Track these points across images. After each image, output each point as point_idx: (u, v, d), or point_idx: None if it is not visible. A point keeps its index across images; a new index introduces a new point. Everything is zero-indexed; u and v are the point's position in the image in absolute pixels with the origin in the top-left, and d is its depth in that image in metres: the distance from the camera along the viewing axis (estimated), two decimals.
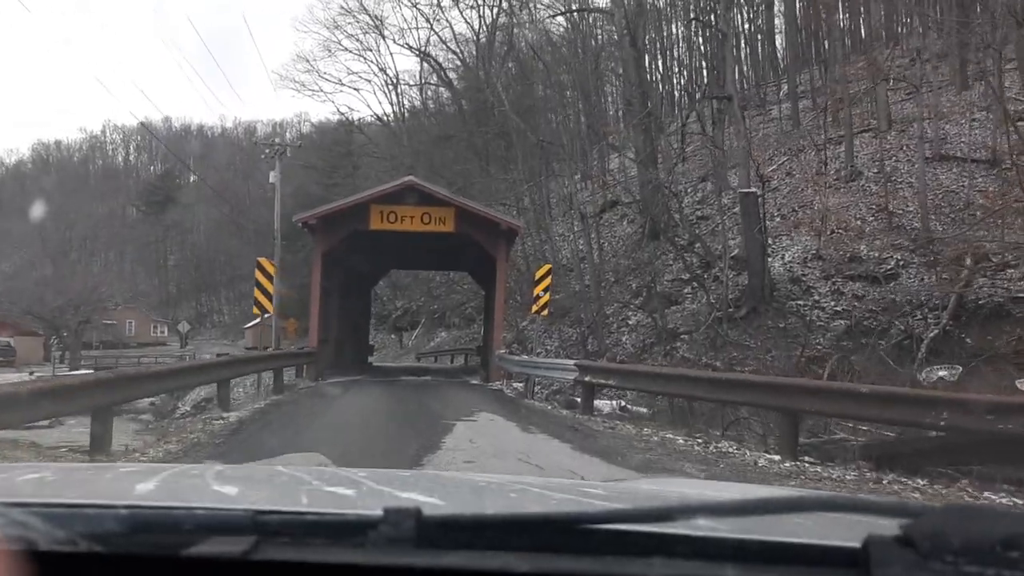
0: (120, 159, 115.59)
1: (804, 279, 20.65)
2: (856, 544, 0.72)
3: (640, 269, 24.28)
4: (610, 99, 40.92)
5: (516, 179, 27.28)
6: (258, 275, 12.90)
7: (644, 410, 11.19)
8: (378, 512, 0.77)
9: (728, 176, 27.71)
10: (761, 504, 0.80)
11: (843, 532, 0.80)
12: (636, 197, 26.64)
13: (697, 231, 23.05)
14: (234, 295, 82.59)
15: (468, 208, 19.14)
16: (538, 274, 15.81)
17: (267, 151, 28.74)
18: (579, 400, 10.99)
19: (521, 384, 15.59)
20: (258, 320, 42.84)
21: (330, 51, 45.76)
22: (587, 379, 10.72)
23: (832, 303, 19.76)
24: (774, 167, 26.92)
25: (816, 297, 20.08)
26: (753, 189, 20.43)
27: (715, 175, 24.10)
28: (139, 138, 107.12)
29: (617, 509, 0.91)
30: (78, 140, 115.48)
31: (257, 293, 13.05)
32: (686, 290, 22.36)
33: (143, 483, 1.19)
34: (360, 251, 21.61)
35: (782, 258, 21.51)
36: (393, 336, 41.58)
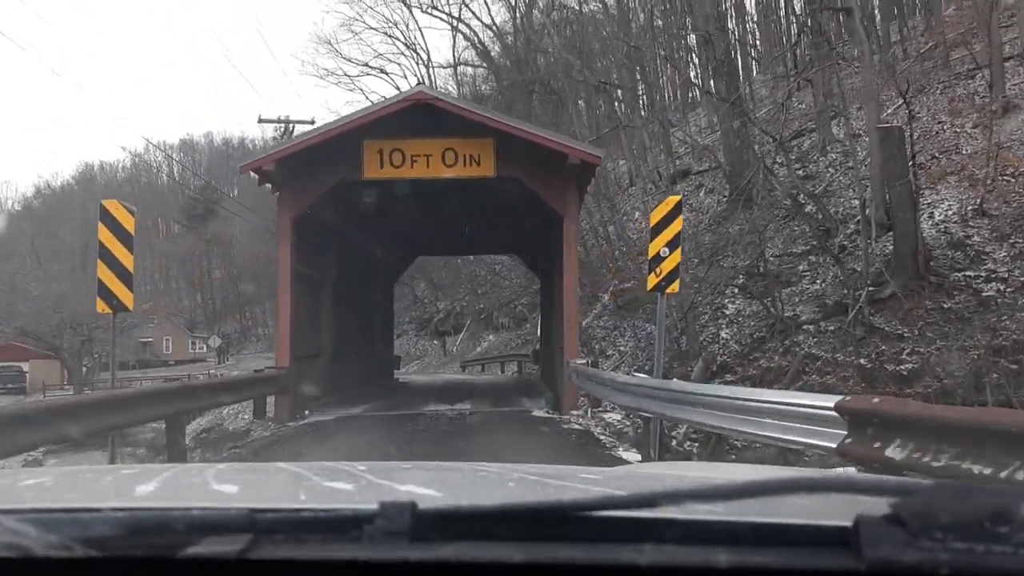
0: (164, 176, 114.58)
1: (969, 242, 15.29)
2: (846, 523, 0.71)
3: (733, 245, 19.16)
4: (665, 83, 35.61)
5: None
6: (102, 234, 6.83)
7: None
8: (374, 506, 0.76)
9: (833, 127, 22.42)
10: (751, 487, 0.79)
11: (833, 512, 0.78)
12: (718, 159, 21.54)
13: (807, 191, 17.80)
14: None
15: (516, 133, 12.04)
16: (656, 215, 8.79)
17: (275, 131, 24.52)
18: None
19: (617, 416, 9.78)
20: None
21: (353, 31, 41.09)
22: (886, 452, 3.67)
23: (1017, 272, 14.40)
24: (890, 111, 21.51)
25: (991, 265, 14.74)
26: (891, 124, 15.19)
27: (836, 110, 18.76)
28: (182, 155, 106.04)
29: (608, 496, 0.90)
30: (120, 159, 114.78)
31: (101, 269, 6.89)
32: (801, 266, 17.19)
33: (142, 485, 1.17)
34: (357, 218, 15.22)
35: (931, 217, 16.18)
36: (435, 342, 37.02)
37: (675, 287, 9.01)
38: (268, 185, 12.80)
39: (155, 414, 7.43)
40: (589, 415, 10.65)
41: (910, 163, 14.77)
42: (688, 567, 0.71)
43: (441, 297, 37.98)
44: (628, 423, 8.96)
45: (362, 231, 16.84)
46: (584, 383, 10.87)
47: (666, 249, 8.65)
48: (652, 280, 8.83)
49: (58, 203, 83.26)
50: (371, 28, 36.25)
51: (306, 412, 12.10)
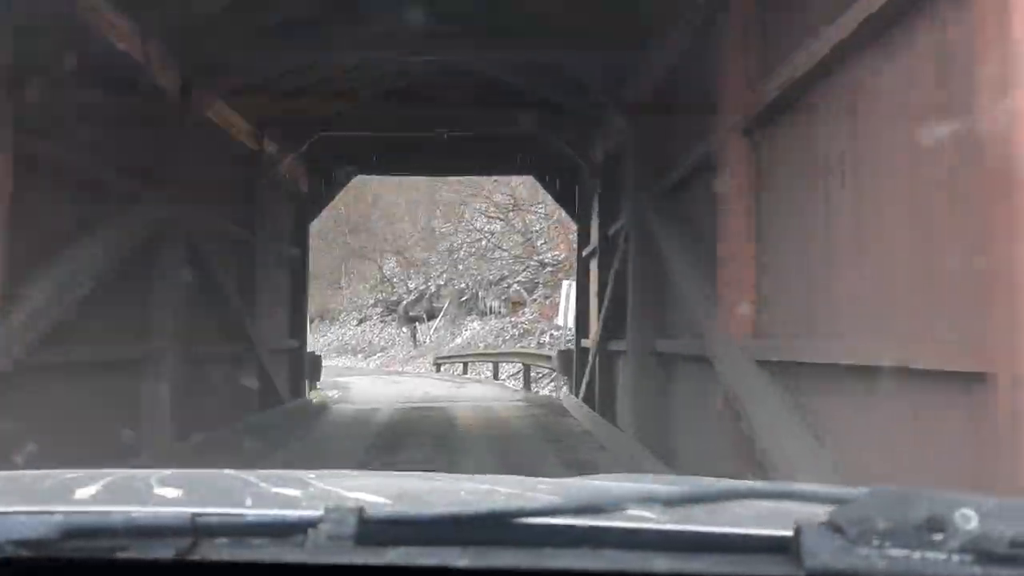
0: None
1: None
2: (786, 531, 0.72)
3: None
4: None
5: None
6: None
7: None
8: (319, 511, 0.76)
9: None
10: (691, 494, 0.84)
11: (774, 520, 0.80)
12: None
13: None
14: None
15: None
16: None
17: None
18: None
19: None
20: None
21: None
22: None
23: None
24: None
25: None
26: None
27: None
28: None
29: (550, 503, 0.92)
30: None
31: None
32: None
33: (83, 488, 1.11)
34: None
35: None
36: (404, 330, 30.52)
37: None
38: None
39: None
40: None
41: None
42: (627, 572, 0.74)
43: (413, 274, 31.36)
44: None
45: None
46: None
47: None
48: None
49: None
50: None
51: None
